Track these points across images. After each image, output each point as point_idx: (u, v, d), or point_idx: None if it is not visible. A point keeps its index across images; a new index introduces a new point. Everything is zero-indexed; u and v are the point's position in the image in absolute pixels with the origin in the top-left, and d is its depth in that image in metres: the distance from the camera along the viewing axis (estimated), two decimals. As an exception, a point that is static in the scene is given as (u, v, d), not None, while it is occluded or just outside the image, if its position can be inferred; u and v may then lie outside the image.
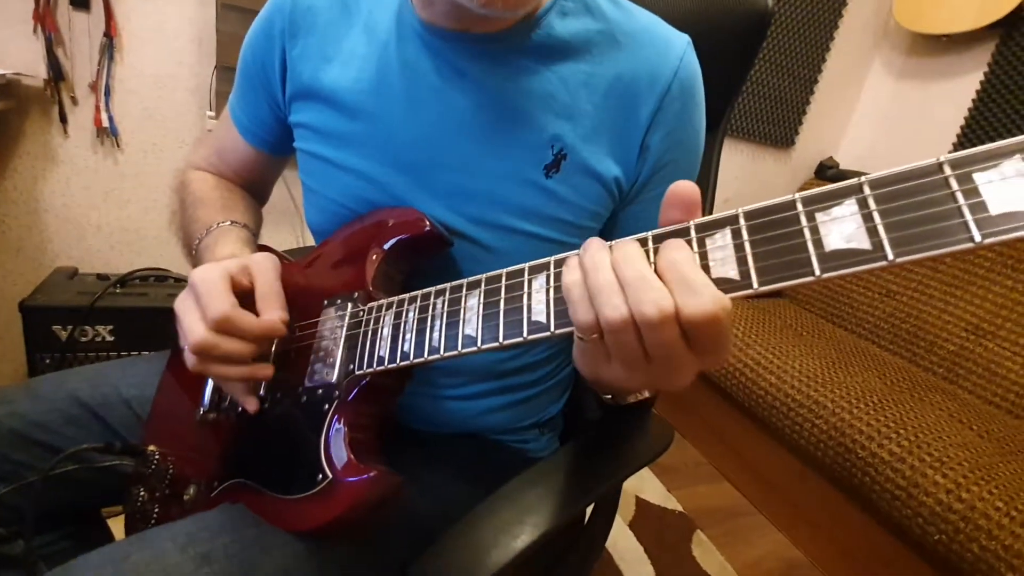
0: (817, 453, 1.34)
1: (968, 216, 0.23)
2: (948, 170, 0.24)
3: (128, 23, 1.23)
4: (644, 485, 1.59)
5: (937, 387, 1.50)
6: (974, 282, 1.60)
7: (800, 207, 0.27)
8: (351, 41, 0.52)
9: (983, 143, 0.23)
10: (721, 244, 0.28)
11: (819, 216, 0.26)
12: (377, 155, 0.51)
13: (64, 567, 0.38)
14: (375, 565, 0.46)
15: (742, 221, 0.28)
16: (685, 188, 0.30)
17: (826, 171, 2.12)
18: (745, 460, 1.65)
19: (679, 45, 0.50)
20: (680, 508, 1.53)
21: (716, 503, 1.60)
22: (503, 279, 0.36)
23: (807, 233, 0.26)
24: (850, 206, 0.25)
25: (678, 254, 0.28)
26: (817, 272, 0.25)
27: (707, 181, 0.73)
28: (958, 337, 1.59)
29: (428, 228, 0.47)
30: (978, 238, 0.22)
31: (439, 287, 0.40)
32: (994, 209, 0.22)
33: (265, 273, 0.47)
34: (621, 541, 1.38)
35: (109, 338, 1.13)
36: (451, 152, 0.49)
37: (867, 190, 0.25)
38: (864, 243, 0.24)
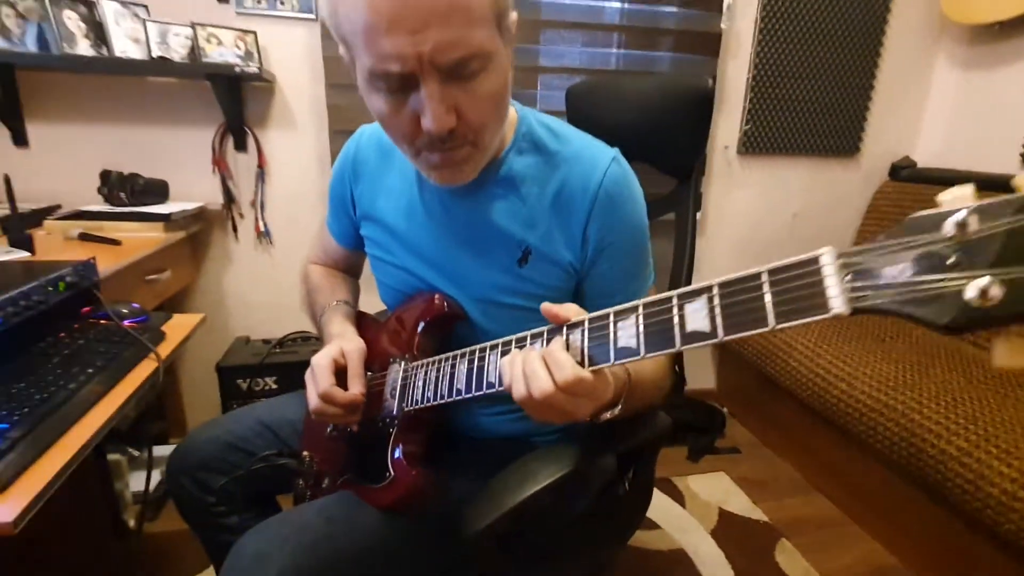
0: (892, 455, 1.35)
1: (680, 328, 0.42)
2: (676, 300, 0.43)
3: (272, 155, 1.68)
4: (729, 498, 1.66)
5: (1037, 383, 1.43)
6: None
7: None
8: (391, 180, 0.79)
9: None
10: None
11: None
12: (412, 257, 0.77)
13: (255, 527, 0.67)
14: (432, 529, 0.70)
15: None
16: (547, 309, 0.54)
17: (900, 172, 2.08)
18: (834, 470, 1.66)
19: (604, 161, 0.68)
20: (766, 519, 1.58)
21: (805, 514, 1.62)
22: (477, 352, 0.61)
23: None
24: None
25: (555, 348, 0.50)
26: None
27: (685, 224, 0.91)
28: (1061, 328, 1.50)
29: (446, 309, 0.72)
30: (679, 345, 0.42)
31: (444, 355, 0.66)
32: (690, 326, 0.41)
33: (353, 359, 0.72)
34: (703, 547, 1.47)
35: (274, 386, 1.52)
36: (456, 253, 0.73)
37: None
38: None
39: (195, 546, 0.91)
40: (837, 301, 0.34)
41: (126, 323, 0.92)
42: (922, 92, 2.07)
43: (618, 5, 1.77)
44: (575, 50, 1.80)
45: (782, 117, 1.96)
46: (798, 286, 0.36)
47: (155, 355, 0.86)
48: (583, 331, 0.51)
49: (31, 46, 1.35)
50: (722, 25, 1.77)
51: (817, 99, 1.98)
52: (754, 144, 1.96)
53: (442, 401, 0.64)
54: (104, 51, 1.41)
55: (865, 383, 1.47)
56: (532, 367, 0.50)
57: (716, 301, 0.41)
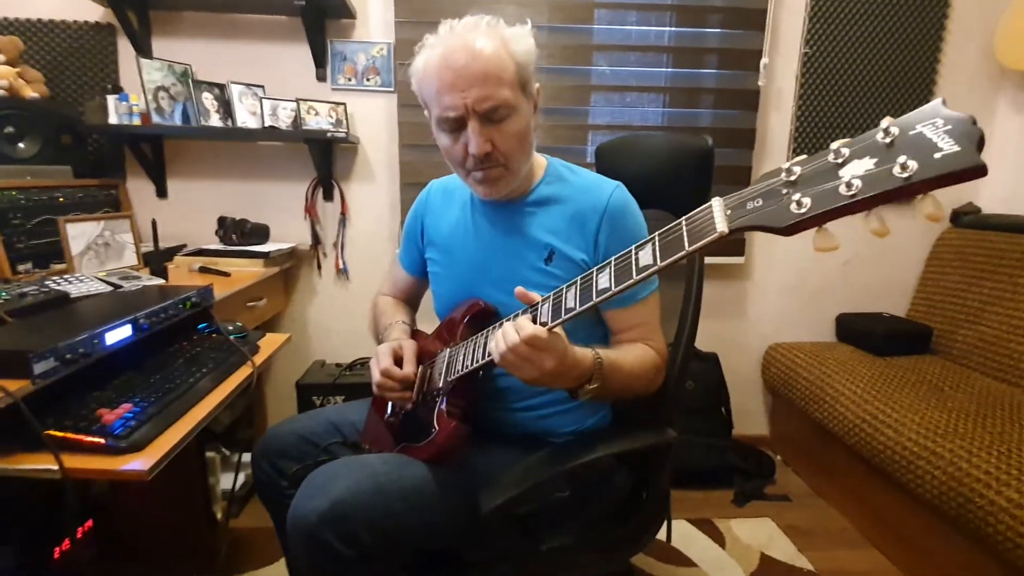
0: (942, 506, 1.31)
1: (636, 265, 0.57)
2: (634, 250, 0.58)
3: (353, 203, 1.95)
4: (772, 544, 1.63)
5: (1114, 438, 1.34)
6: None
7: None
8: (452, 211, 1.02)
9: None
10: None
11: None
12: (464, 267, 0.98)
13: (327, 463, 0.83)
14: (463, 485, 0.83)
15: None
16: (520, 293, 0.73)
17: (962, 218, 2.04)
18: (887, 522, 1.60)
19: (608, 189, 0.90)
20: (811, 567, 1.54)
21: (855, 567, 1.56)
22: (492, 328, 0.76)
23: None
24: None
25: (521, 319, 0.70)
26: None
27: (693, 264, 1.01)
28: None
29: (484, 306, 0.90)
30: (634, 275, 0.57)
31: (481, 332, 0.82)
32: (641, 263, 0.56)
33: (408, 350, 0.93)
34: (740, 588, 1.47)
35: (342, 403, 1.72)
36: (499, 257, 0.93)
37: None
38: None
39: (269, 542, 1.08)
40: (720, 224, 0.50)
41: (232, 337, 1.15)
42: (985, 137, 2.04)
43: (664, 70, 1.94)
44: (626, 109, 1.97)
45: (830, 166, 2.00)
46: (700, 222, 0.53)
47: (251, 363, 1.08)
48: (546, 305, 0.70)
49: (177, 120, 1.71)
50: (760, 83, 1.89)
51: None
52: (800, 192, 2.01)
53: (478, 364, 0.79)
54: (229, 123, 1.75)
55: (913, 430, 1.44)
56: (504, 328, 0.71)
57: (656, 244, 0.58)
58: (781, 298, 2.13)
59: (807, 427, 1.91)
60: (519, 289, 0.73)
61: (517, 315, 0.74)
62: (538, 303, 0.71)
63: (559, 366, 0.70)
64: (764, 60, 1.87)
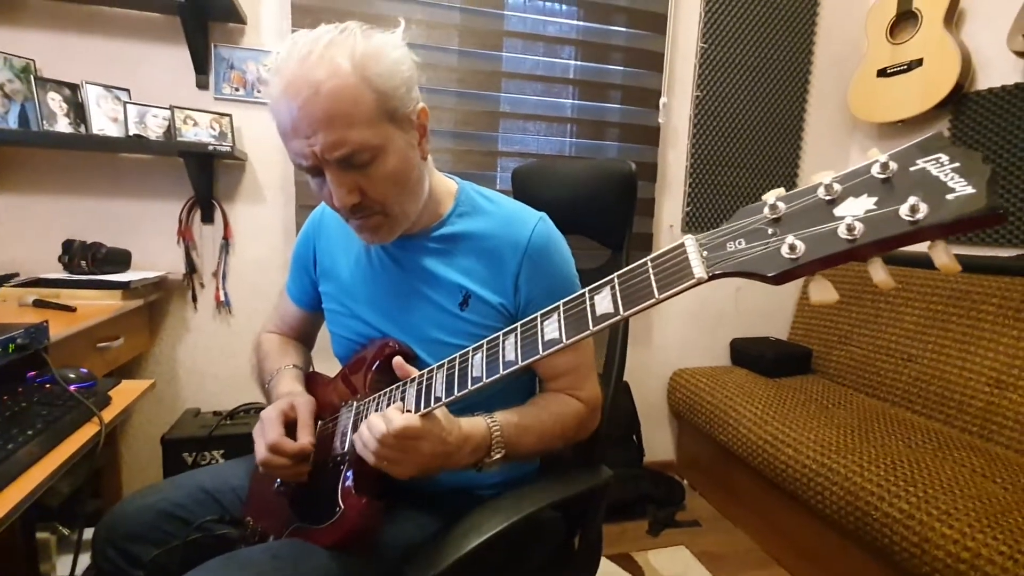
0: (841, 520, 1.38)
1: (592, 313, 0.49)
2: (588, 295, 0.50)
3: (238, 226, 1.73)
4: (688, 573, 1.63)
5: (969, 445, 1.50)
6: (983, 336, 1.64)
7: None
8: (350, 241, 0.86)
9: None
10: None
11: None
12: (366, 306, 0.83)
13: (197, 567, 0.65)
14: (379, 569, 0.69)
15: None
16: (398, 365, 0.68)
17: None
18: (791, 540, 1.66)
19: (531, 222, 0.78)
20: (726, 592, 1.55)
21: (766, 586, 1.60)
22: (425, 375, 0.65)
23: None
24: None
25: (390, 411, 0.61)
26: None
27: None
28: (983, 392, 1.60)
29: (398, 348, 0.77)
30: (591, 327, 0.48)
31: (395, 385, 0.70)
32: (599, 311, 0.48)
33: (303, 411, 0.77)
34: (663, 624, 1.43)
35: (221, 460, 1.47)
36: (405, 301, 0.80)
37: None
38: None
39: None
40: (698, 270, 0.44)
41: (72, 387, 0.92)
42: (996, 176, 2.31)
43: (570, 101, 1.97)
44: (534, 138, 1.97)
45: (719, 199, 2.15)
46: (671, 265, 0.46)
47: (98, 418, 0.86)
48: (416, 385, 0.64)
49: (12, 123, 1.41)
50: (659, 120, 1.99)
51: (748, 185, 2.18)
52: (696, 223, 2.12)
53: None
54: (82, 129, 1.48)
55: (810, 447, 1.52)
56: (363, 428, 0.63)
57: (617, 290, 0.48)
58: (683, 325, 2.21)
59: (712, 450, 1.97)
60: (396, 360, 0.66)
61: (388, 393, 0.66)
62: (406, 383, 0.64)
63: (441, 447, 0.62)
64: (663, 99, 1.98)
